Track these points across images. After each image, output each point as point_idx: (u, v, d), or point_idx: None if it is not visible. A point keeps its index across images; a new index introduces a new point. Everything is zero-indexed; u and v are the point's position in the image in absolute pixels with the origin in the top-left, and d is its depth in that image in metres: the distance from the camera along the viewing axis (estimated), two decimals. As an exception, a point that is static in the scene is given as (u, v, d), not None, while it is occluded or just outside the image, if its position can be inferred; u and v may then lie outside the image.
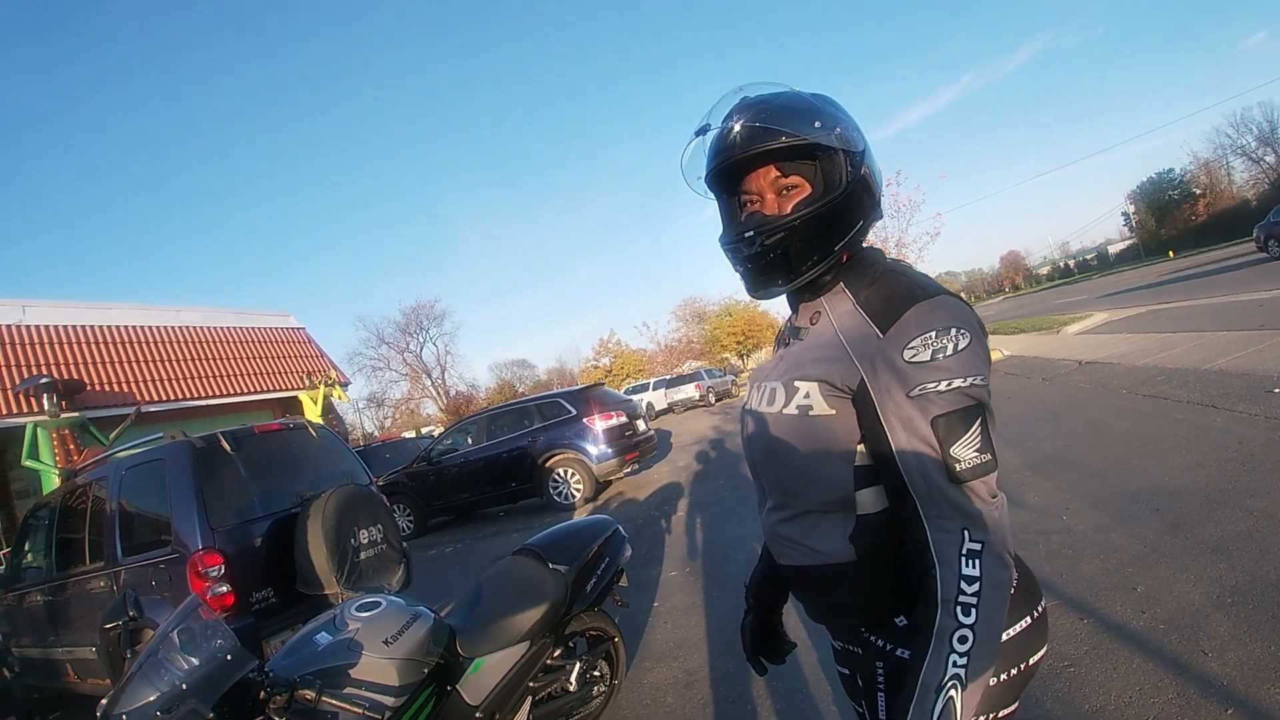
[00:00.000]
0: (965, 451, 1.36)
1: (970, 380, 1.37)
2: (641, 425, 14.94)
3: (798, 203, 1.56)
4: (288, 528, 5.98)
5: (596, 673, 4.13)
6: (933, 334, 1.38)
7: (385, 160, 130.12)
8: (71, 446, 12.83)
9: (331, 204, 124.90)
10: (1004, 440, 8.78)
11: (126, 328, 17.09)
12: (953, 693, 1.31)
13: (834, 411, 1.49)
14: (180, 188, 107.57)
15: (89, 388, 14.90)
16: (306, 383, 18.88)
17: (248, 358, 19.37)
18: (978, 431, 1.38)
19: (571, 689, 3.89)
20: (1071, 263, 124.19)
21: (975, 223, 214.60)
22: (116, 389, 15.81)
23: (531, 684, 3.66)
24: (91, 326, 16.31)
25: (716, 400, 36.48)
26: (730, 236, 1.63)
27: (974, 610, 1.32)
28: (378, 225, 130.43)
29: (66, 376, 14.39)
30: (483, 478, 14.12)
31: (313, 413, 17.36)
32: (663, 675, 4.90)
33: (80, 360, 15.53)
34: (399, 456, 18.30)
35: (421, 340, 65.89)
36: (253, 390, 18.81)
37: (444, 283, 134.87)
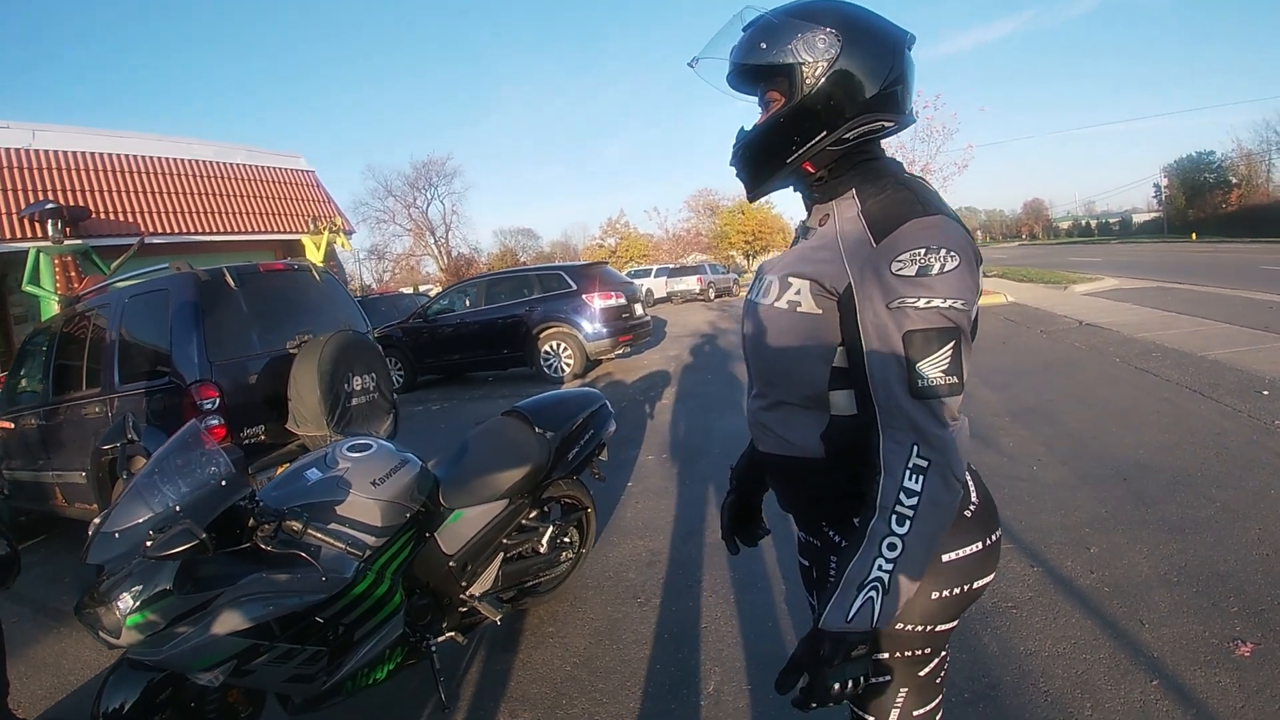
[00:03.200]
0: (931, 370, 1.40)
1: (950, 303, 1.41)
2: (639, 309, 14.93)
3: (764, 118, 1.67)
4: (284, 367, 6.09)
5: (567, 539, 4.33)
6: (922, 250, 1.42)
7: (415, 15, 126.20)
8: (73, 274, 12.79)
9: (356, 41, 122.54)
10: (989, 384, 8.97)
11: (136, 157, 16.78)
12: (872, 593, 1.40)
13: (820, 311, 1.54)
14: (203, 13, 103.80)
15: (93, 215, 14.68)
16: (311, 227, 18.76)
17: (255, 196, 19.15)
18: (948, 353, 1.41)
19: (542, 550, 4.10)
20: (1094, 223, 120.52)
21: (1005, 163, 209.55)
22: (121, 219, 15.68)
23: (505, 541, 3.84)
24: (100, 154, 16.00)
25: (716, 296, 36.07)
26: None
27: (908, 521, 1.40)
28: (399, 69, 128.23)
29: (72, 203, 14.15)
30: (476, 341, 14.24)
31: (315, 257, 17.26)
32: (628, 551, 5.13)
33: (87, 187, 15.31)
34: (395, 311, 18.28)
35: (429, 197, 64.84)
36: (257, 230, 18.70)
37: (459, 140, 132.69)
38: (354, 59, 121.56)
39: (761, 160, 1.69)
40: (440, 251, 64.68)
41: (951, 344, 1.41)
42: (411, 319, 15.30)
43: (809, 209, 1.75)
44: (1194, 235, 63.37)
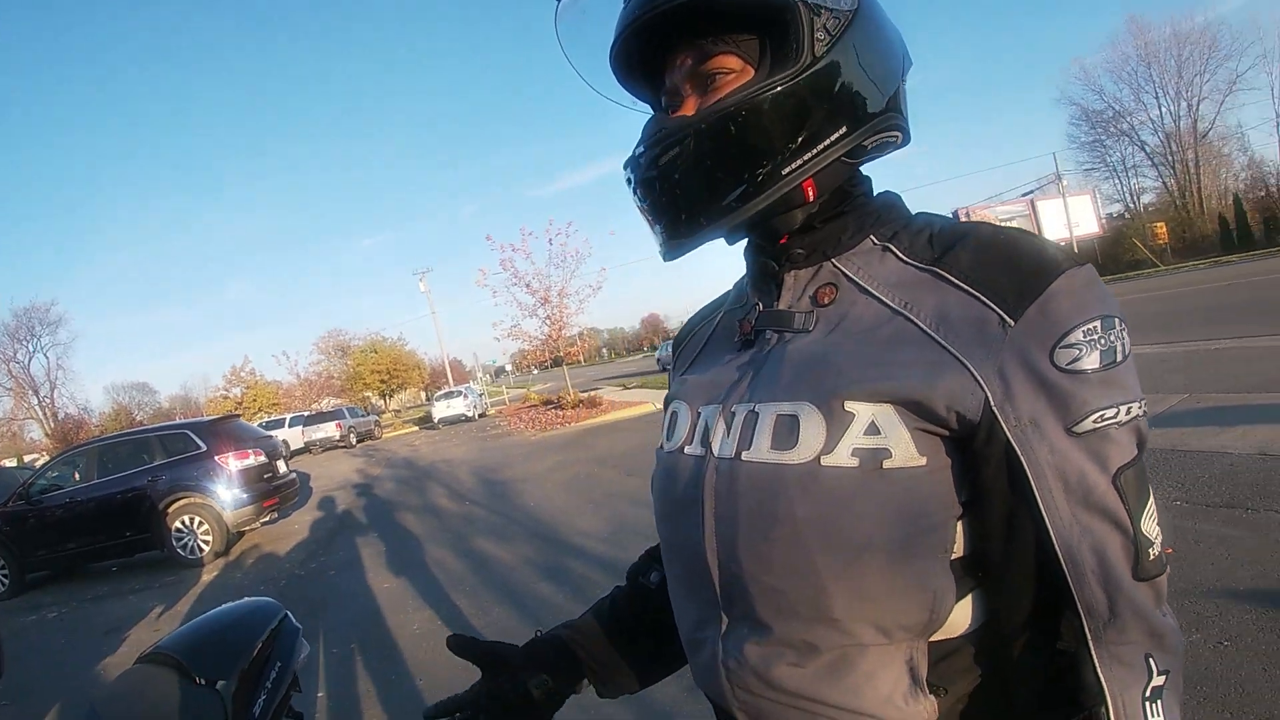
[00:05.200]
0: (1153, 527, 0.85)
1: (1143, 406, 0.86)
2: (282, 466, 13.55)
3: (735, 90, 0.95)
4: None
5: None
6: (1097, 323, 0.82)
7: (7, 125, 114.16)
8: None
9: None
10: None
11: None
12: None
13: (924, 460, 0.87)
14: None
15: None
16: None
17: None
18: (1153, 492, 0.87)
19: None
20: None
21: (626, 282, 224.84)
22: None
23: None
24: None
25: (358, 441, 35.33)
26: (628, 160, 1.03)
27: None
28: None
29: None
30: (93, 523, 11.91)
31: None
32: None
33: None
34: (-2, 490, 15.32)
35: (31, 349, 59.16)
36: None
37: (63, 284, 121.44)
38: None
39: (729, 170, 0.94)
40: (46, 414, 58.62)
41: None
42: (12, 501, 12.45)
43: (764, 280, 1.07)
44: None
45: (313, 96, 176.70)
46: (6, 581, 12.04)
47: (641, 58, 1.04)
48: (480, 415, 39.05)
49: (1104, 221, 58.53)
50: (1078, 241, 48.42)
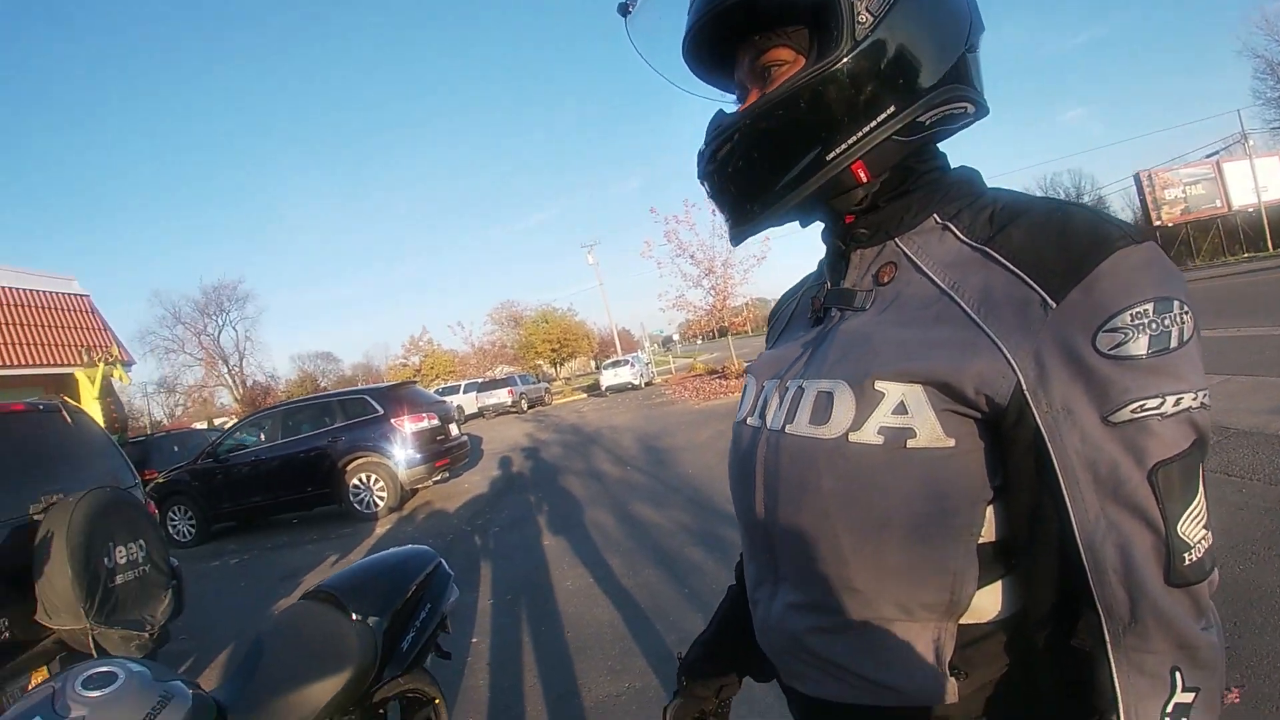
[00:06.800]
0: (1194, 530, 0.79)
1: (1202, 398, 0.79)
2: (454, 430, 14.07)
3: (779, 85, 0.98)
4: (28, 540, 4.74)
5: (414, 747, 3.28)
6: (1150, 306, 0.77)
7: (200, 123, 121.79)
8: None
9: (135, 158, 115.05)
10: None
11: None
12: None
13: (952, 442, 0.87)
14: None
15: None
16: (85, 358, 16.86)
17: (19, 324, 16.93)
18: (1203, 493, 0.80)
19: (384, 774, 3.04)
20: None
21: (789, 251, 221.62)
22: None
23: (328, 774, 2.81)
24: None
25: (529, 407, 36.03)
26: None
27: None
28: (185, 190, 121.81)
29: None
30: (276, 479, 12.76)
31: (90, 394, 15.46)
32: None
33: None
34: (187, 450, 16.42)
35: (221, 323, 62.95)
36: (21, 363, 16.51)
37: (251, 263, 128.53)
38: (133, 176, 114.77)
39: (775, 160, 0.98)
40: (235, 381, 62.55)
41: (1203, 475, 0.81)
42: (201, 459, 13.47)
43: (838, 259, 1.09)
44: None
45: (482, 79, 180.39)
46: (194, 531, 13.07)
47: (714, 57, 1.08)
48: (646, 384, 39.36)
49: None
50: (1266, 208, 44.15)
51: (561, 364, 59.97)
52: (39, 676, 4.77)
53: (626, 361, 41.29)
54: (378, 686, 2.96)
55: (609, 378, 40.10)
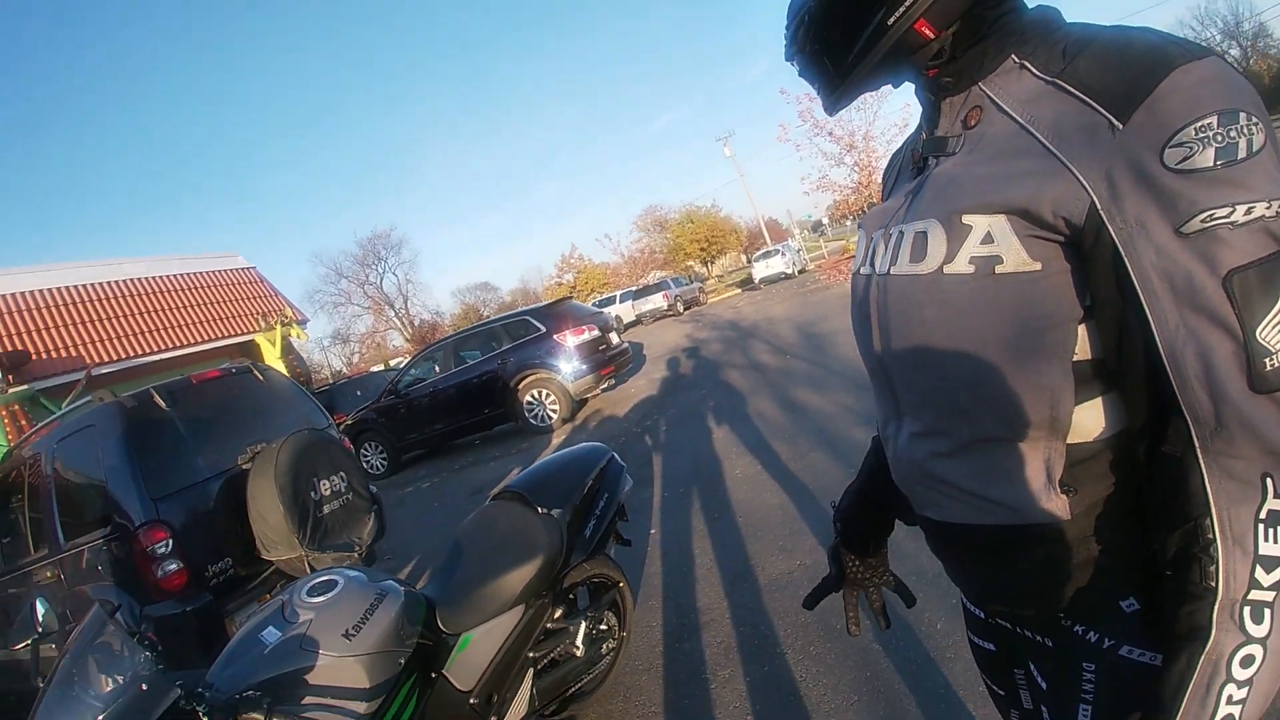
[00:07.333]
0: (1277, 336, 0.79)
1: (1277, 206, 0.79)
2: (615, 338, 14.31)
3: None
4: (240, 487, 5.30)
5: (604, 626, 3.56)
6: (1213, 119, 0.79)
7: (329, 83, 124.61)
8: (23, 423, 12.00)
9: (273, 132, 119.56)
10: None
11: (67, 288, 16.16)
12: None
13: (1038, 266, 0.92)
14: (109, 124, 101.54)
15: (35, 357, 14.13)
16: (262, 324, 18.04)
17: (198, 304, 18.48)
18: None
19: (578, 652, 3.33)
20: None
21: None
22: (64, 354, 15.01)
23: (531, 654, 3.11)
24: (29, 292, 15.43)
25: (685, 309, 36.01)
26: None
27: (1268, 615, 0.82)
28: (324, 154, 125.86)
29: (9, 349, 13.63)
30: (454, 406, 13.47)
31: (272, 355, 16.59)
32: (674, 616, 4.37)
33: (22, 329, 14.70)
34: (369, 392, 17.51)
35: (381, 271, 65.18)
36: (207, 338, 17.99)
37: (398, 210, 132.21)
38: (271, 154, 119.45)
39: (844, 31, 1.04)
40: (403, 323, 64.80)
41: None
42: (384, 397, 14.37)
43: (931, 112, 1.11)
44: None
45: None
46: (385, 463, 14.00)
47: None
48: (800, 271, 38.79)
49: None
50: None
51: (712, 262, 59.55)
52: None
53: (777, 251, 40.66)
54: (566, 571, 3.23)
55: (761, 269, 39.63)
